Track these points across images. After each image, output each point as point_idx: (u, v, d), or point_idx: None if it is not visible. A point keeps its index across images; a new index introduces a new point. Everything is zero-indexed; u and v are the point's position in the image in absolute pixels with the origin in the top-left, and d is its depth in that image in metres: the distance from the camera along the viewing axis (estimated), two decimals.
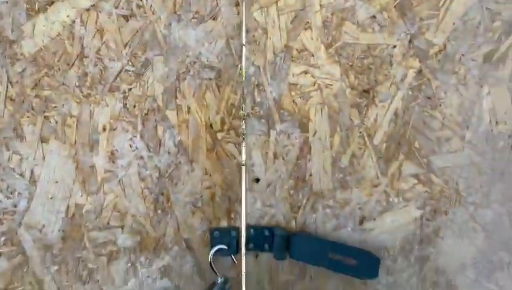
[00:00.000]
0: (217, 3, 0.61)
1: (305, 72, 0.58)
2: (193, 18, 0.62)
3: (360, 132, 0.55)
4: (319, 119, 0.59)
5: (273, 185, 0.64)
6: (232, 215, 0.69)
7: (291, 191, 0.63)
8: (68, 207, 0.65)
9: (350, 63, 0.55)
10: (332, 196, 0.58)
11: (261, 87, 0.62)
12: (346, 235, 0.57)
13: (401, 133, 0.53)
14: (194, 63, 0.63)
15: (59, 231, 0.65)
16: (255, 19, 0.60)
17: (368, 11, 0.52)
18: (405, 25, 0.50)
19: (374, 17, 0.51)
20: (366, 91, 0.52)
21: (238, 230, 0.67)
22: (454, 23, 0.45)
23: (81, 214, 0.65)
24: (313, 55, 0.57)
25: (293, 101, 0.59)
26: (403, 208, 0.54)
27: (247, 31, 0.60)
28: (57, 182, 0.64)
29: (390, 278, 0.54)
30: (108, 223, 0.66)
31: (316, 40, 0.55)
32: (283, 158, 0.62)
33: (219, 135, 0.66)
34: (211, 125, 0.66)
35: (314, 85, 0.58)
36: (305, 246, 0.58)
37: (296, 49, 0.57)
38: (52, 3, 0.59)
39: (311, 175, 0.62)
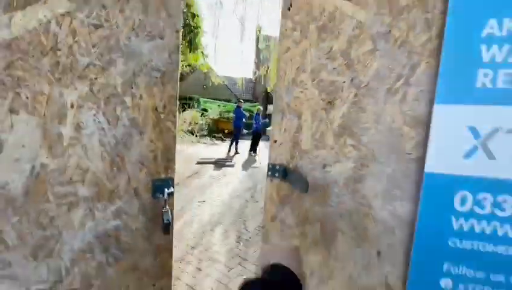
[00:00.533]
0: (163, 28, 0.93)
1: (301, 92, 0.99)
2: (147, 35, 0.91)
3: (326, 122, 0.96)
4: (307, 114, 1.01)
5: None
6: (169, 171, 1.02)
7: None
8: (33, 167, 0.80)
9: (322, 88, 1.00)
10: (311, 153, 1.00)
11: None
12: (317, 174, 1.01)
13: (346, 123, 0.93)
14: (146, 65, 0.92)
15: (23, 187, 0.79)
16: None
17: (332, 66, 0.98)
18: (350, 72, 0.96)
19: (335, 68, 0.96)
20: (330, 102, 0.96)
21: (172, 180, 1.01)
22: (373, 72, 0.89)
23: (46, 173, 0.81)
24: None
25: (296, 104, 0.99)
26: (346, 161, 0.93)
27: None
28: (23, 146, 0.78)
29: (336, 199, 0.95)
30: (71, 179, 0.85)
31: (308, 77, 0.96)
32: None
33: (161, 116, 0.98)
34: (156, 108, 0.96)
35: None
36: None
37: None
38: (31, 3, 0.74)
39: (301, 141, 1.04)
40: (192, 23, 6.08)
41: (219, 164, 6.94)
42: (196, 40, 6.45)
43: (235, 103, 8.43)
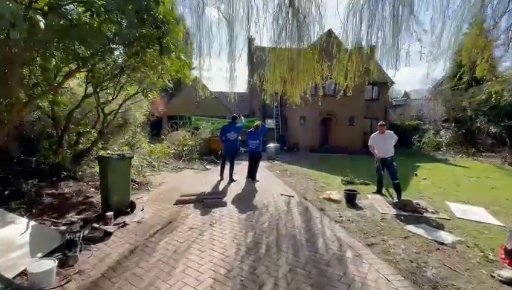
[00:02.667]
0: None
1: None
2: None
3: None
4: None
5: None
6: None
7: None
8: None
9: None
10: None
11: None
12: None
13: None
14: None
15: None
16: None
17: None
18: None
19: None
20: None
21: None
22: None
23: None
24: None
25: None
26: None
27: None
28: None
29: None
30: None
31: None
32: None
33: None
34: None
35: None
36: None
37: None
38: None
39: None
40: (157, 15, 4.29)
41: (207, 202, 4.98)
42: (167, 40, 4.62)
43: (230, 120, 6.52)
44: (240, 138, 6.88)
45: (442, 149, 14.96)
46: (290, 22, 6.03)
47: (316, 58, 6.70)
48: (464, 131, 15.02)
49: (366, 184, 7.07)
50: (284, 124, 17.68)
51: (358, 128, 17.24)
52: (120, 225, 3.91)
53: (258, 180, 6.89)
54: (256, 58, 17.54)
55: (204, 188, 6.13)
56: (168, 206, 4.86)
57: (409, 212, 4.83)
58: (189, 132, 11.82)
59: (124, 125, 11.45)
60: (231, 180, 6.77)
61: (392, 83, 18.84)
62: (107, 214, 3.90)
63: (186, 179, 7.10)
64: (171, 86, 9.55)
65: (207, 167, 8.72)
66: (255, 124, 6.78)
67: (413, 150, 16.77)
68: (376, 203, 5.36)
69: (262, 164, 9.43)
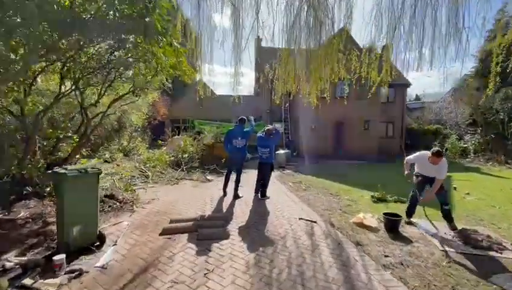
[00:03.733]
0: None
1: None
2: None
3: None
4: None
5: None
6: None
7: None
8: None
9: None
10: None
11: None
12: None
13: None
14: None
15: None
16: None
17: None
18: None
19: None
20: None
21: None
22: None
23: None
24: None
25: None
26: None
27: None
28: None
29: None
30: None
31: None
32: None
33: None
34: None
35: None
36: None
37: None
38: None
39: None
40: None
41: (203, 233, 3.70)
42: (153, 17, 3.41)
43: (236, 123, 5.17)
44: (247, 143, 5.59)
45: (469, 156, 13.38)
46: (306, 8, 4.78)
47: (341, 48, 5.47)
48: (492, 136, 13.44)
49: (401, 202, 5.70)
50: (293, 129, 16.36)
51: (373, 134, 15.81)
52: (74, 274, 2.66)
53: (268, 197, 5.59)
54: (263, 59, 16.37)
55: (202, 208, 4.85)
56: (152, 237, 3.59)
57: (480, 250, 3.46)
58: (191, 136, 10.62)
59: (120, 129, 10.34)
60: (236, 196, 5.49)
61: (409, 84, 17.40)
62: (54, 258, 2.65)
63: (182, 194, 5.83)
64: (170, 85, 8.33)
65: (208, 178, 7.46)
66: (267, 128, 5.49)
67: None
68: (427, 232, 3.99)
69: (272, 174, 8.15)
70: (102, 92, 5.93)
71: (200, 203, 5.16)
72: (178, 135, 11.72)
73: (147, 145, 11.72)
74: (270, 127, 5.49)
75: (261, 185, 5.54)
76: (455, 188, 7.44)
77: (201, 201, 5.33)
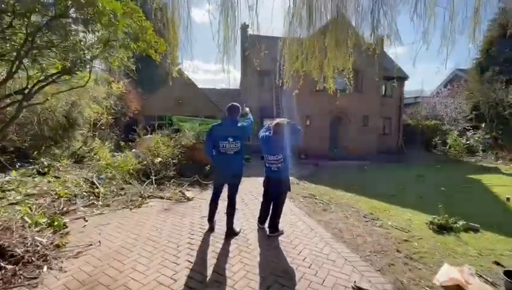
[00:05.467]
0: None
1: None
2: None
3: None
4: None
5: None
6: None
7: None
8: None
9: None
10: None
11: None
12: None
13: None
14: None
15: None
16: None
17: None
18: None
19: None
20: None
21: None
22: None
23: None
24: None
25: None
26: None
27: None
28: None
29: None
30: None
31: None
32: None
33: None
34: None
35: None
36: None
37: None
38: None
39: None
40: None
41: None
42: None
43: (225, 116, 2.81)
44: (244, 146, 3.43)
45: (477, 154, 12.05)
46: None
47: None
48: (499, 132, 12.17)
49: (473, 230, 3.82)
50: None
51: (373, 130, 14.21)
52: None
53: (282, 232, 3.48)
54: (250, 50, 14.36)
55: (173, 266, 2.67)
56: None
57: None
58: (167, 136, 8.26)
59: (70, 127, 7.78)
60: (230, 233, 3.33)
61: (407, 77, 15.95)
62: None
63: (144, 231, 3.58)
64: (133, 67, 5.83)
65: (187, 194, 5.22)
66: (274, 122, 3.35)
67: (436, 155, 13.86)
68: None
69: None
70: (15, 67, 3.52)
71: (170, 253, 2.96)
72: (151, 134, 9.25)
73: (112, 148, 9.17)
74: (280, 120, 3.36)
75: (273, 214, 3.43)
76: (508, 199, 5.73)
77: (172, 245, 3.12)
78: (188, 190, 5.53)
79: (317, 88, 14.03)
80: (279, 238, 3.37)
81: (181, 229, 3.60)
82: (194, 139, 7.52)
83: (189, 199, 4.99)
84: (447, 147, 13.79)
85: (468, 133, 13.99)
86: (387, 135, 15.76)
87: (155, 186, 5.62)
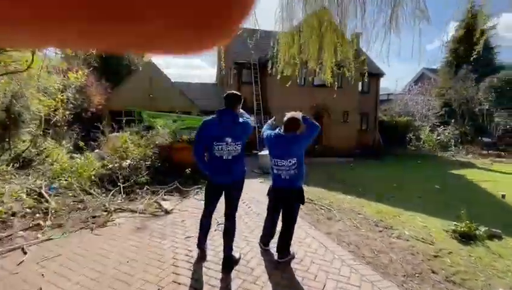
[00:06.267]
0: None
1: None
2: None
3: None
4: None
5: None
6: None
7: None
8: None
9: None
10: None
11: None
12: None
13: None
14: None
15: None
16: None
17: None
18: None
19: None
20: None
21: None
22: None
23: None
24: None
25: None
26: None
27: None
28: None
29: None
30: None
31: None
32: None
33: None
34: None
35: None
36: None
37: None
38: None
39: None
40: None
41: None
42: None
43: (219, 112, 1.89)
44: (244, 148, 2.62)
45: (450, 149, 12.41)
46: None
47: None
48: (467, 127, 12.66)
49: (497, 237, 3.42)
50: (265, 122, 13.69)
51: (352, 126, 14.09)
52: None
53: (293, 256, 2.74)
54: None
55: None
56: None
57: None
58: (138, 133, 7.15)
59: (12, 124, 6.30)
60: (230, 263, 2.51)
61: (383, 74, 16.09)
62: None
63: (106, 266, 2.61)
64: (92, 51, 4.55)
65: (165, 204, 4.26)
66: (288, 116, 2.58)
67: (411, 150, 14.15)
68: None
69: (258, 186, 5.33)
70: None
71: None
72: (118, 131, 7.97)
73: (71, 149, 7.73)
74: (293, 114, 2.60)
75: (282, 235, 2.66)
76: (503, 196, 5.59)
77: (151, 289, 2.23)
78: (165, 199, 4.57)
79: (299, 82, 13.45)
80: (292, 264, 2.63)
81: (161, 258, 2.69)
82: (170, 137, 6.49)
83: (167, 212, 4.04)
84: (421, 143, 14.13)
85: (438, 129, 14.44)
86: (364, 131, 15.81)
87: (124, 196, 4.57)
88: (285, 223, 2.64)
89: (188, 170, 5.47)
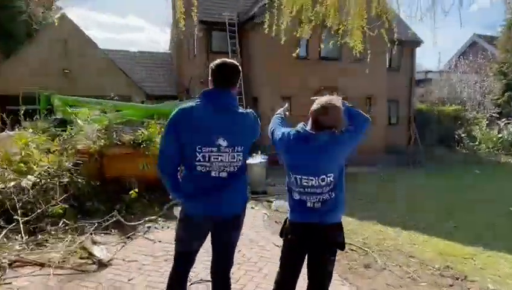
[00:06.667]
0: None
1: None
2: None
3: None
4: None
5: None
6: None
7: None
8: None
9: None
10: None
11: None
12: None
13: None
14: None
15: None
16: None
17: None
18: None
19: None
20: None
21: None
22: None
23: None
24: None
25: None
26: None
27: None
28: None
29: None
30: None
31: None
32: None
33: None
34: None
35: None
36: None
37: None
38: None
39: None
40: None
41: None
42: None
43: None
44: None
45: None
46: None
47: None
48: None
49: None
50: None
51: (378, 119, 14.21)
52: None
53: None
54: None
55: None
56: None
57: None
58: (46, 132, 6.74)
59: None
60: None
61: (420, 42, 16.54)
62: None
63: None
64: None
65: (97, 251, 3.86)
66: (319, 102, 2.32)
67: (462, 153, 14.63)
68: None
69: (249, 214, 5.14)
70: None
71: None
72: (13, 129, 7.44)
73: None
74: (327, 99, 2.34)
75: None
76: None
77: None
78: (97, 243, 4.19)
79: (298, 54, 13.48)
80: None
81: None
82: (100, 138, 6.09)
83: (103, 264, 3.68)
84: (476, 143, 14.64)
85: (499, 122, 15.04)
86: (394, 126, 16.15)
87: (26, 237, 4.15)
88: (315, 285, 2.37)
89: (133, 191, 5.13)
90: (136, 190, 5.14)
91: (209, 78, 2.24)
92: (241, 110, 2.24)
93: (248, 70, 13.45)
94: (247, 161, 6.86)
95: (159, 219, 5.18)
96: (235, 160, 2.14)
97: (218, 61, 2.25)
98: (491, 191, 8.42)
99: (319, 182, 2.26)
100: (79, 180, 5.37)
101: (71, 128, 6.54)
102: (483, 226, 5.63)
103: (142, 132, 6.19)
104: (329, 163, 2.26)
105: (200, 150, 2.08)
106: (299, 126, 2.38)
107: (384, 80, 14.34)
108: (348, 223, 5.38)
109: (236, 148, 2.14)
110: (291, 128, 2.42)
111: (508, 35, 15.57)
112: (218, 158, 2.10)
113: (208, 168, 2.10)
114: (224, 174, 2.12)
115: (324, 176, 2.25)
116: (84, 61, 13.55)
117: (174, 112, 2.20)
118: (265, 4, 12.06)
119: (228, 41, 13.34)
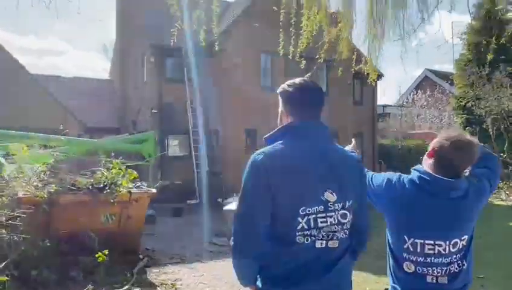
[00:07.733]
0: None
1: None
2: None
3: None
4: None
5: None
6: None
7: None
8: None
9: None
10: None
11: None
12: None
13: None
14: None
15: None
16: None
17: None
18: None
19: None
20: None
21: None
22: None
23: None
24: None
25: None
26: None
27: None
28: None
29: None
30: None
31: None
32: None
33: None
34: None
35: None
36: None
37: None
38: None
39: None
40: None
41: None
42: None
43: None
44: None
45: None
46: None
47: None
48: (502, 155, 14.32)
49: None
50: (211, 147, 13.00)
51: None
52: None
53: None
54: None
55: None
56: None
57: None
58: None
59: None
60: None
61: (381, 75, 17.41)
62: None
63: None
64: None
65: None
66: (447, 137, 1.87)
67: None
68: None
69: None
70: None
71: None
72: None
73: None
74: (459, 135, 1.93)
75: None
76: None
77: None
78: None
79: (262, 82, 13.28)
80: None
81: None
82: (48, 183, 5.17)
83: None
84: None
85: None
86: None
87: None
88: None
89: (101, 254, 4.23)
90: (106, 251, 4.24)
91: (283, 108, 1.70)
92: (338, 146, 1.73)
93: (209, 99, 12.97)
94: (226, 207, 6.06)
95: (133, 288, 4.32)
96: (346, 220, 1.59)
97: (296, 82, 1.71)
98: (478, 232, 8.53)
99: (449, 248, 1.80)
100: (21, 240, 4.42)
101: (3, 169, 5.49)
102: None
103: (103, 173, 5.34)
104: (466, 221, 1.82)
105: (304, 213, 1.49)
106: (416, 172, 1.92)
107: (348, 113, 14.92)
108: (365, 279, 4.91)
109: (346, 202, 1.59)
110: (402, 175, 1.96)
111: (460, 70, 16.86)
112: (326, 221, 1.53)
113: (312, 237, 1.52)
114: (335, 244, 1.55)
115: (457, 240, 1.79)
116: (10, 85, 12.43)
117: (256, 158, 1.57)
118: (226, 31, 11.98)
119: (185, 67, 12.87)
